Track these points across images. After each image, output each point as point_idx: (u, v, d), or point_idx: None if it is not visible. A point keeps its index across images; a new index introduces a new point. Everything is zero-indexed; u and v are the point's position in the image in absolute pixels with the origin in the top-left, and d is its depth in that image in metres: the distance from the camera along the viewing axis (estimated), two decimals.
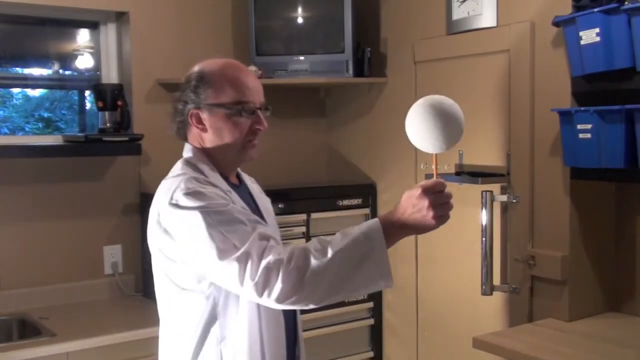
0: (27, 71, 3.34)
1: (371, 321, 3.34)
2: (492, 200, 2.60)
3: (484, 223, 2.60)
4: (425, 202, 1.50)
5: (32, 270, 2.93)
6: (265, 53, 3.24)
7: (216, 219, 1.53)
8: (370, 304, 3.32)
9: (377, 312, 3.34)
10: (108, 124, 3.03)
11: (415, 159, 3.08)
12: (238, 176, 1.84)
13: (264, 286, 1.46)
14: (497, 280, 2.66)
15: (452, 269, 2.93)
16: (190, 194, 1.57)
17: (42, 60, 3.31)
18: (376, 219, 1.54)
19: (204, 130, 1.71)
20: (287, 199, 3.08)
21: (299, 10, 3.30)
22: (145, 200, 3.06)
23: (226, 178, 1.75)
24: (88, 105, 3.40)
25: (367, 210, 3.32)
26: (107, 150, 2.97)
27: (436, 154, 1.60)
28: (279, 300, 1.46)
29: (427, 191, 1.51)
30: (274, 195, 3.00)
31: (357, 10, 3.23)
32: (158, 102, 3.10)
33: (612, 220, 2.55)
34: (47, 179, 2.97)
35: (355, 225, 1.54)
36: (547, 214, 2.52)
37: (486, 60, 2.73)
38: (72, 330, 2.57)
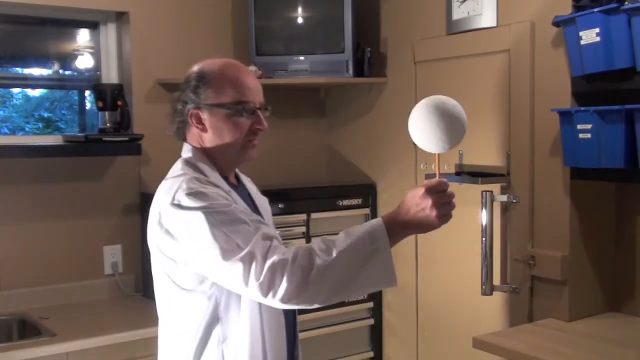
0: (27, 71, 3.34)
1: (371, 321, 3.34)
2: (492, 200, 2.60)
3: (484, 223, 2.60)
4: (428, 202, 1.51)
5: (32, 270, 2.93)
6: (265, 53, 3.24)
7: (219, 219, 1.53)
8: (370, 304, 3.32)
9: (377, 312, 3.34)
10: (108, 124, 3.03)
11: (415, 159, 3.08)
12: (236, 176, 1.84)
13: (268, 286, 1.46)
14: (497, 280, 2.66)
15: (452, 269, 2.93)
16: (192, 194, 1.57)
17: (42, 60, 3.31)
18: (379, 219, 1.54)
19: (204, 130, 1.70)
20: (287, 199, 3.07)
21: (299, 10, 3.30)
22: (145, 200, 3.06)
23: (225, 178, 1.75)
24: (88, 105, 3.40)
25: (367, 210, 3.32)
26: (107, 150, 2.97)
27: (438, 154, 1.60)
28: (284, 300, 1.46)
29: (430, 190, 1.52)
30: (274, 195, 3.02)
31: (357, 10, 3.23)
32: (158, 102, 3.10)
33: (612, 220, 2.55)
34: (47, 179, 2.97)
35: (359, 225, 1.55)
36: (547, 214, 2.52)
37: (486, 60, 2.73)
38: (72, 330, 2.57)
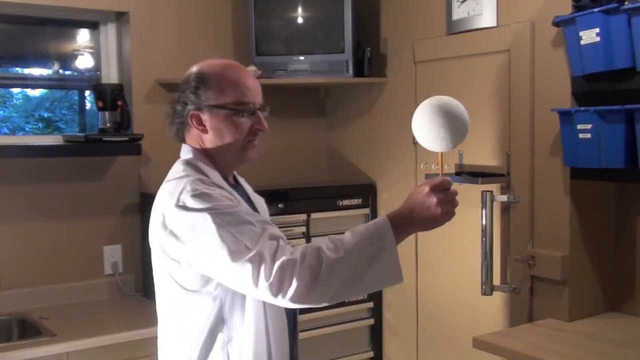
0: (27, 71, 3.34)
1: (371, 321, 3.34)
2: (492, 200, 2.60)
3: (484, 223, 2.60)
4: (433, 200, 1.55)
5: (32, 270, 2.93)
6: (265, 53, 3.24)
7: (225, 220, 1.53)
8: (370, 304, 3.32)
9: (377, 312, 3.34)
10: (108, 124, 3.03)
11: (415, 159, 3.08)
12: (234, 177, 1.84)
13: (278, 286, 1.46)
14: (497, 280, 2.66)
15: (452, 269, 2.93)
16: (197, 195, 1.57)
17: (42, 60, 3.31)
18: (385, 217, 1.56)
19: (205, 131, 1.70)
20: (287, 199, 3.08)
21: (299, 10, 3.30)
22: (145, 200, 3.07)
23: (225, 179, 1.74)
24: (88, 105, 3.40)
25: (367, 210, 3.32)
26: (107, 150, 2.97)
27: (442, 153, 1.65)
28: (294, 299, 1.47)
29: (434, 189, 1.56)
30: (274, 195, 3.03)
31: (357, 10, 3.23)
32: (158, 102, 3.10)
33: (612, 220, 2.55)
34: (47, 179, 2.97)
35: (364, 224, 1.57)
36: (547, 214, 2.52)
37: (486, 60, 2.73)
38: (72, 330, 2.57)
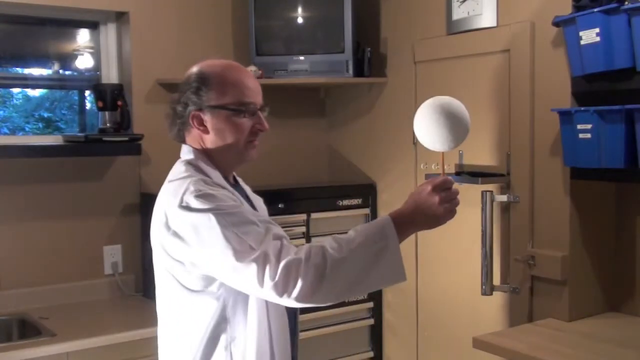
0: (27, 71, 3.34)
1: (371, 321, 3.34)
2: (492, 200, 2.60)
3: (484, 223, 2.60)
4: (435, 199, 1.58)
5: (32, 270, 2.93)
6: (265, 53, 3.24)
7: (229, 221, 1.53)
8: (370, 304, 3.32)
9: (377, 312, 3.34)
10: (108, 124, 3.03)
11: (415, 159, 3.08)
12: (234, 177, 1.84)
13: (284, 286, 1.47)
14: (497, 280, 2.66)
15: (452, 269, 2.93)
16: (201, 196, 1.57)
17: (42, 60, 3.31)
18: (387, 216, 1.58)
19: (206, 132, 1.70)
20: (287, 199, 3.07)
21: (299, 10, 3.30)
22: (145, 200, 3.07)
23: (225, 179, 1.75)
24: (88, 105, 3.40)
25: (367, 210, 3.32)
26: (107, 150, 2.97)
27: (443, 153, 1.69)
28: (299, 299, 1.47)
29: (436, 188, 1.59)
30: (274, 195, 3.03)
31: (357, 10, 3.23)
32: (158, 102, 3.10)
33: (612, 220, 2.55)
34: (47, 179, 2.97)
35: (367, 223, 1.60)
36: (547, 214, 2.52)
37: (486, 60, 2.73)
38: (72, 330, 2.57)
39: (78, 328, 2.60)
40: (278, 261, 1.48)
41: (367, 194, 3.33)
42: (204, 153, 1.73)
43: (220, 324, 1.64)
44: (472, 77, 2.79)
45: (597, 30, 2.17)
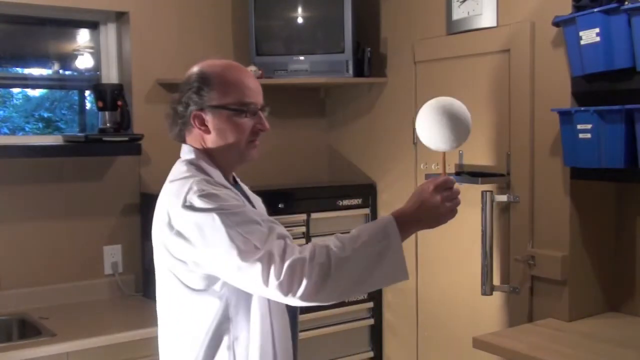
0: (27, 71, 3.34)
1: (371, 321, 3.34)
2: (492, 200, 2.60)
3: (484, 223, 2.60)
4: (437, 198, 1.60)
5: (32, 270, 2.93)
6: (265, 53, 3.24)
7: (233, 220, 1.53)
8: (370, 304, 3.32)
9: (377, 312, 3.34)
10: (108, 124, 3.03)
11: (415, 159, 3.08)
12: (233, 177, 1.84)
13: (289, 285, 1.47)
14: (497, 280, 2.67)
15: (452, 269, 2.93)
16: (204, 195, 1.57)
17: (42, 60, 3.31)
18: (390, 216, 1.59)
19: (207, 131, 1.70)
20: (287, 199, 3.07)
21: (299, 10, 3.30)
22: (145, 200, 3.07)
23: (226, 178, 1.75)
24: (88, 105, 3.40)
25: (367, 210, 3.32)
26: (107, 150, 2.97)
27: (444, 153, 1.72)
28: (304, 298, 1.48)
29: (438, 187, 1.61)
30: (274, 195, 3.03)
31: (357, 10, 3.23)
32: (158, 102, 3.10)
33: (612, 220, 2.55)
34: (47, 179, 2.97)
35: (370, 222, 1.62)
36: (547, 214, 2.52)
37: (486, 60, 2.73)
38: (72, 330, 2.57)
39: (78, 328, 2.60)
40: (283, 260, 1.48)
41: (367, 194, 3.33)
42: (205, 153, 1.73)
43: (223, 324, 1.64)
44: (472, 77, 2.79)
45: (597, 30, 2.17)
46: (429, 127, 1.68)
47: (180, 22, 3.23)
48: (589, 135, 2.21)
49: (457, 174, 2.79)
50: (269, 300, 1.62)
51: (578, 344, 2.23)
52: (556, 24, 2.36)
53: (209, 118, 1.69)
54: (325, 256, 1.49)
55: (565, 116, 2.31)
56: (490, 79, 2.72)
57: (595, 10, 2.17)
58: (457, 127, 1.66)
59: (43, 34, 3.24)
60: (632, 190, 2.48)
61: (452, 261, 2.93)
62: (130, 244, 3.14)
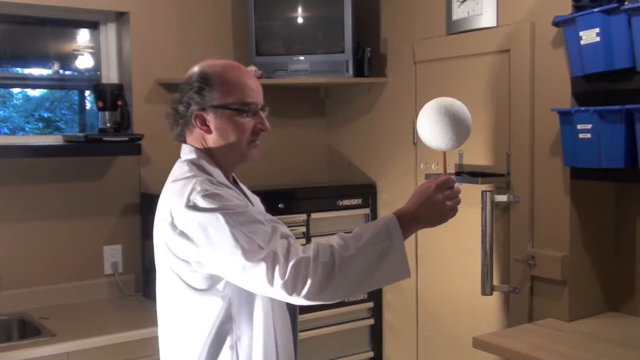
0: (27, 71, 3.34)
1: (371, 321, 3.34)
2: (492, 200, 2.60)
3: (484, 223, 2.60)
4: (438, 197, 1.62)
5: (32, 270, 2.93)
6: (265, 53, 3.24)
7: (237, 220, 1.54)
8: (370, 304, 3.32)
9: (377, 312, 3.34)
10: (108, 124, 3.03)
11: (415, 159, 3.08)
12: (232, 176, 1.84)
13: (293, 284, 1.48)
14: (497, 280, 2.67)
15: (452, 269, 2.93)
16: (208, 195, 1.57)
17: (42, 60, 3.31)
18: (392, 215, 1.61)
19: (208, 131, 1.70)
20: (287, 199, 3.07)
21: (299, 10, 3.30)
22: (145, 200, 3.07)
23: (226, 178, 1.75)
24: (88, 105, 3.40)
25: (367, 210, 3.32)
26: (107, 150, 2.97)
27: (445, 153, 1.74)
28: (308, 297, 1.49)
29: (439, 187, 1.63)
30: (274, 195, 3.03)
31: (357, 10, 3.23)
32: (158, 102, 3.10)
33: (612, 220, 2.55)
34: (47, 179, 2.97)
35: (372, 221, 1.65)
36: (547, 214, 2.52)
37: (486, 60, 2.73)
38: (72, 330, 2.57)
39: (78, 328, 2.60)
40: (287, 260, 1.49)
41: (367, 194, 3.33)
42: (206, 152, 1.73)
43: (226, 323, 1.65)
44: (472, 77, 2.79)
45: (597, 30, 2.17)
46: (430, 127, 1.70)
47: (180, 22, 3.23)
48: (589, 135, 2.21)
49: (457, 173, 2.79)
50: (271, 299, 1.63)
51: (578, 344, 2.23)
52: (556, 24, 2.36)
53: (210, 118, 1.69)
54: (329, 255, 1.50)
55: (565, 116, 2.31)
56: (490, 79, 2.72)
57: (595, 10, 2.17)
58: (458, 127, 1.68)
59: (43, 34, 3.24)
60: (632, 190, 2.48)
61: (452, 261, 2.93)
62: (130, 243, 3.14)
